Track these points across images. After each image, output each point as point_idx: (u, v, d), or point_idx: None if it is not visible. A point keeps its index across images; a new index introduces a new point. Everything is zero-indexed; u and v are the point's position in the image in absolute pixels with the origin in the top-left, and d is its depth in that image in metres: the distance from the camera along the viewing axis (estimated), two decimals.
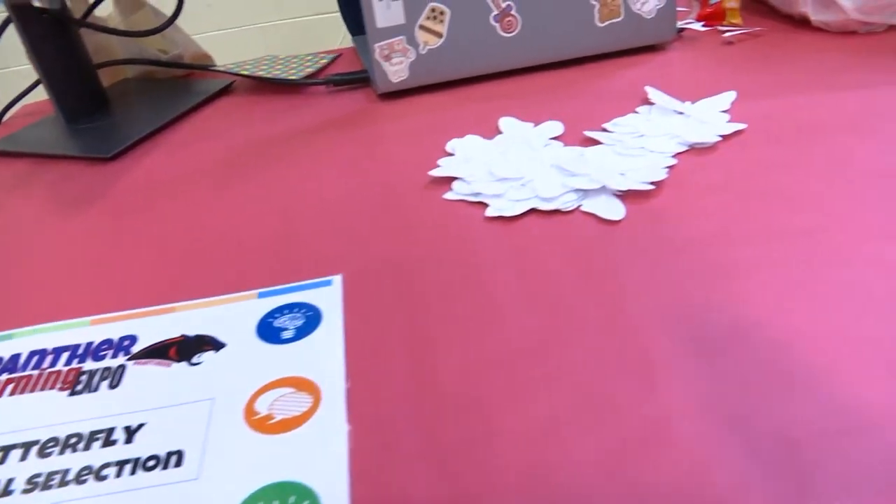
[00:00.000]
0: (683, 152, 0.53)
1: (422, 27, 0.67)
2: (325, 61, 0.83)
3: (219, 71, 0.78)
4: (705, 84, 0.64)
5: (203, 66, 0.82)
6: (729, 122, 0.56)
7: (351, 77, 0.73)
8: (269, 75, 0.76)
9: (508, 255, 0.43)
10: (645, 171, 0.49)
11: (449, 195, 0.51)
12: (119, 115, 0.75)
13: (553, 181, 0.49)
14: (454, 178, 0.52)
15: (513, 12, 0.68)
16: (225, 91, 0.80)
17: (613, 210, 0.46)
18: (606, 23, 0.70)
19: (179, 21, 0.75)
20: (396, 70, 0.68)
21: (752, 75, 0.65)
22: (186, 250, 0.49)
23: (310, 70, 0.79)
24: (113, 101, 0.79)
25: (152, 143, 0.69)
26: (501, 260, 0.43)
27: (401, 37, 0.67)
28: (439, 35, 0.68)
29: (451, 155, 0.56)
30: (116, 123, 0.73)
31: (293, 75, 0.77)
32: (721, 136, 0.54)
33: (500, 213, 0.47)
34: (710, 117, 0.57)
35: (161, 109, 0.75)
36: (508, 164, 0.52)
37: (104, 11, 0.82)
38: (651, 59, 0.72)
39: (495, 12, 0.68)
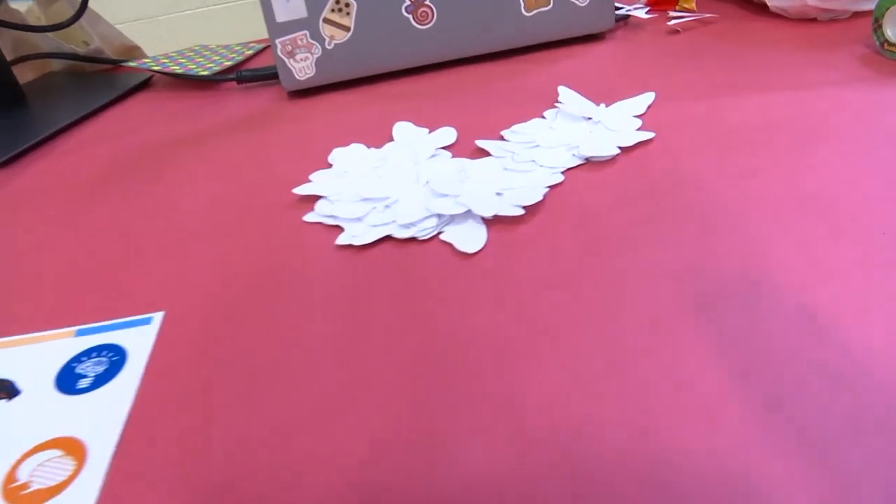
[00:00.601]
0: (578, 167, 0.47)
1: (326, 20, 0.62)
2: (250, 52, 0.78)
3: (131, 66, 0.74)
4: (634, 81, 0.58)
5: (113, 59, 0.78)
6: (639, 129, 0.50)
7: (260, 73, 0.68)
8: (181, 70, 0.71)
9: (345, 293, 0.39)
10: (523, 191, 0.44)
11: (309, 216, 0.46)
12: (33, 112, 0.72)
13: (417, 203, 0.44)
14: (321, 196, 0.48)
15: (427, 2, 0.62)
16: (145, 85, 0.76)
17: (471, 241, 0.41)
18: (534, 12, 0.64)
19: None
20: (302, 67, 0.63)
21: (686, 71, 0.58)
22: (23, 277, 0.45)
23: (229, 63, 0.74)
24: (30, 97, 0.76)
25: (52, 145, 0.65)
26: (335, 299, 0.38)
27: (304, 31, 0.62)
28: (346, 29, 0.62)
29: (330, 167, 0.52)
30: (23, 123, 0.69)
31: (211, 67, 0.72)
32: (621, 147, 0.48)
33: (351, 242, 0.42)
34: (620, 124, 0.51)
35: (73, 107, 0.71)
36: (378, 181, 0.47)
37: (25, 4, 0.79)
38: (585, 50, 0.66)
39: (407, 3, 0.62)
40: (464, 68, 0.66)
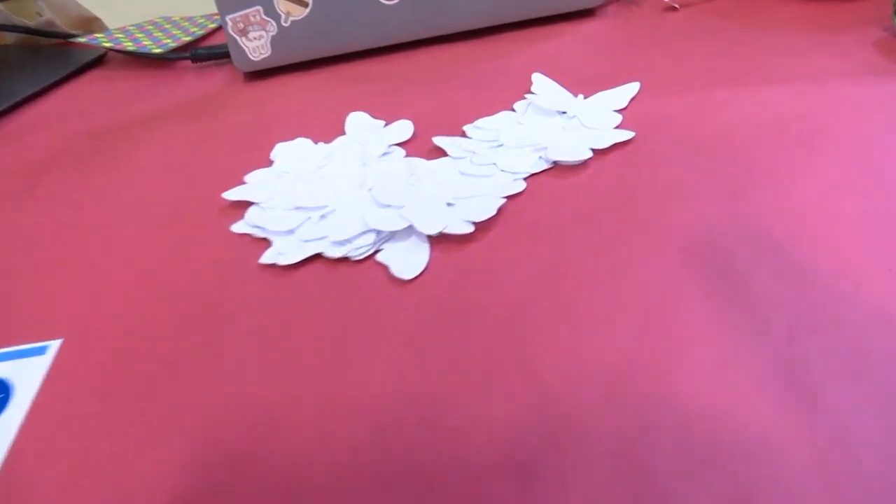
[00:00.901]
0: (544, 171, 0.42)
1: None
2: (213, 26, 0.72)
3: (80, 41, 0.68)
4: (621, 66, 0.51)
5: (63, 34, 0.72)
6: (618, 126, 0.44)
7: (215, 52, 0.63)
8: (134, 47, 0.65)
9: (263, 326, 0.34)
10: (476, 203, 0.38)
11: (237, 227, 0.41)
12: None
13: (355, 215, 0.39)
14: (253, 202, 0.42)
15: None
16: (100, 61, 0.70)
17: (410, 264, 0.36)
18: None
19: None
20: (256, 46, 0.57)
21: (679, 57, 0.52)
22: None
23: (188, 39, 0.69)
24: None
25: None
26: (252, 332, 0.33)
27: (257, 7, 0.56)
28: (304, 4, 0.56)
29: (269, 165, 0.46)
30: None
31: (167, 44, 0.67)
32: (595, 149, 0.42)
33: (275, 261, 0.37)
34: (598, 120, 0.45)
35: (23, 85, 0.66)
36: (317, 186, 0.42)
37: None
38: (572, 29, 0.60)
39: None
40: (435, 48, 0.60)
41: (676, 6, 0.60)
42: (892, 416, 0.24)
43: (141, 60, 0.68)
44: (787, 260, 0.32)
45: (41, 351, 0.35)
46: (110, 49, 0.66)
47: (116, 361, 0.33)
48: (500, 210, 0.38)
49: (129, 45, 0.66)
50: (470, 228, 0.37)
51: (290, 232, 0.39)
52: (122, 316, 0.36)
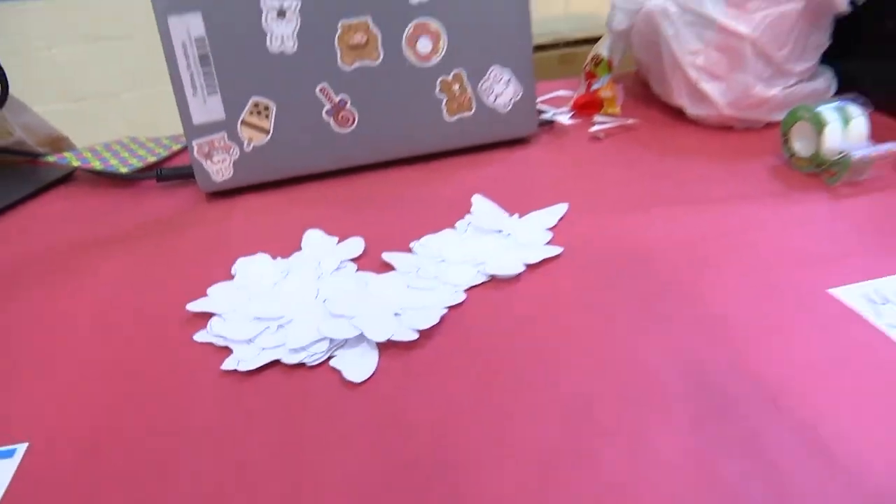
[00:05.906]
0: (482, 284, 0.46)
1: (245, 123, 0.61)
2: (178, 147, 0.77)
3: (48, 160, 0.72)
4: (552, 189, 0.58)
5: (33, 153, 0.76)
6: (549, 243, 0.49)
7: (179, 172, 0.67)
8: (101, 166, 0.70)
9: (224, 427, 0.36)
10: (421, 313, 0.43)
11: (200, 335, 0.44)
12: None
13: (310, 325, 0.42)
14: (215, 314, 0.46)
15: (348, 107, 0.62)
16: (68, 178, 0.74)
17: (360, 368, 0.39)
18: (455, 117, 0.64)
19: None
20: (219, 169, 0.62)
21: (604, 181, 0.59)
22: None
23: (154, 159, 0.73)
24: None
25: None
26: (215, 433, 0.36)
27: (222, 133, 0.61)
28: (265, 131, 0.62)
29: (231, 279, 0.50)
30: None
31: (133, 164, 0.71)
32: (528, 264, 0.47)
33: (236, 367, 0.40)
34: (530, 237, 0.50)
35: None
36: (274, 298, 0.45)
37: None
38: (508, 155, 0.66)
39: (328, 107, 0.62)
40: (385, 172, 0.65)
41: (601, 136, 0.68)
42: None
43: (107, 178, 0.72)
44: (695, 360, 0.36)
45: (8, 454, 0.37)
46: (78, 168, 0.70)
47: (80, 467, 0.35)
48: (442, 319, 0.42)
49: (97, 164, 0.70)
50: (414, 336, 0.41)
51: (250, 341, 0.42)
52: (86, 419, 0.38)
